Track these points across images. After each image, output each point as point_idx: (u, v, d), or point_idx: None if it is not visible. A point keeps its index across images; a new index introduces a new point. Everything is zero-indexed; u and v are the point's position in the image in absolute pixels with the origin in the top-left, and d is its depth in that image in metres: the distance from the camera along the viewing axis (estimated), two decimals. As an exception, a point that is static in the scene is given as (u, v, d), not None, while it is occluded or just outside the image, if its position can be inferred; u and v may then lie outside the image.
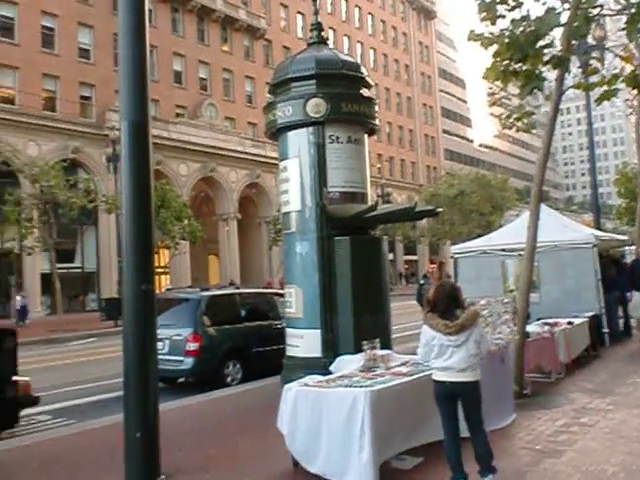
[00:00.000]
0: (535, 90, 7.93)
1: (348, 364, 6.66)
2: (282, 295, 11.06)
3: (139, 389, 5.60)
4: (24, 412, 7.92)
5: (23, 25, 33.98)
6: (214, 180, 43.14)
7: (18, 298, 29.44)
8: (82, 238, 36.28)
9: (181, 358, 10.72)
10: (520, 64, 7.84)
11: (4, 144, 29.61)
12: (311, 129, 9.08)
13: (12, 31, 33.70)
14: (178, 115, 42.05)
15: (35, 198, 25.61)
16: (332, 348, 8.56)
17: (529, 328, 9.12)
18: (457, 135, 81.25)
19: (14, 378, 6.94)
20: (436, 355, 5.05)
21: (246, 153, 44.56)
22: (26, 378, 8.11)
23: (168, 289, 17.88)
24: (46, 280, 30.47)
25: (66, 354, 17.75)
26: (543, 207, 9.47)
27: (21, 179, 28.00)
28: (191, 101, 43.39)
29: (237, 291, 13.18)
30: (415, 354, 5.76)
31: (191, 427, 7.77)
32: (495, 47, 7.82)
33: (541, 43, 7.64)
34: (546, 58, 7.81)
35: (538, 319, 10.58)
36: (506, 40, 7.68)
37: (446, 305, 5.07)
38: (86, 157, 35.44)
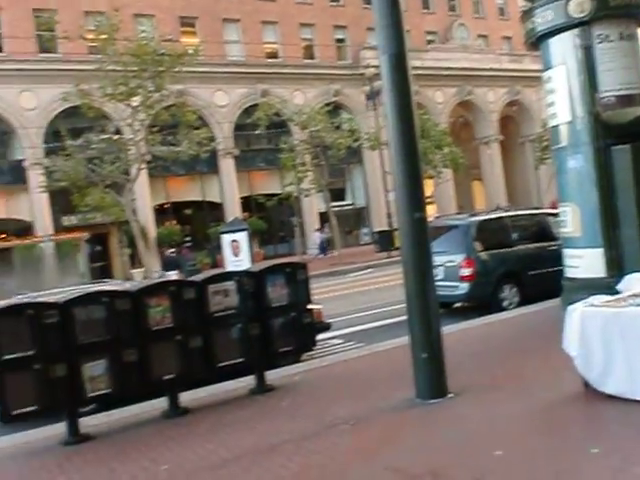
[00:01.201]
0: None
1: (639, 282, 6.16)
2: (555, 215, 10.56)
3: (421, 313, 5.88)
4: (319, 337, 8.75)
5: (271, -20, 36.00)
6: (471, 103, 42.00)
7: (317, 234, 32.97)
8: (350, 176, 38.26)
9: (456, 284, 10.93)
10: None
11: (274, 96, 32.27)
12: (576, 31, 8.28)
13: (269, -12, 35.96)
14: (429, 42, 41.47)
15: (306, 143, 27.68)
16: (617, 266, 7.97)
17: None
18: None
19: (309, 306, 7.69)
20: None
21: (503, 70, 42.31)
22: (319, 306, 8.99)
23: (437, 217, 18.14)
24: (323, 218, 33.00)
25: (348, 284, 19.17)
26: None
27: (292, 127, 30.37)
28: (441, 25, 42.40)
29: (506, 214, 12.84)
30: None
31: (474, 349, 7.94)
32: None
33: None
34: None
35: None
36: None
37: None
38: (346, 98, 36.94)
